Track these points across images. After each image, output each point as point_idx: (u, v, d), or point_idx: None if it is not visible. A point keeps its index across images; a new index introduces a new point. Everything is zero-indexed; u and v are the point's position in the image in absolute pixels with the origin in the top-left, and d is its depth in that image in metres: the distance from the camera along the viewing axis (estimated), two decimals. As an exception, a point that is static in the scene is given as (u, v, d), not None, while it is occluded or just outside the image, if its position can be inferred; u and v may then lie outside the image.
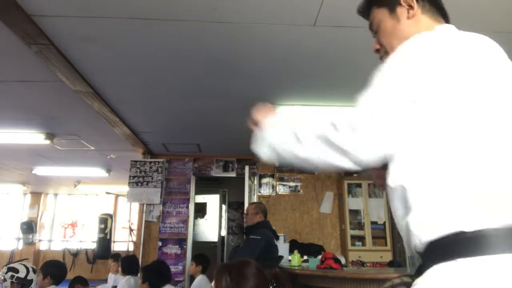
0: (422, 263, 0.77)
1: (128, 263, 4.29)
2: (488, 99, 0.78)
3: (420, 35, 0.88)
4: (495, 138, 0.75)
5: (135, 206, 6.24)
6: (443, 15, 0.99)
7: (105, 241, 8.27)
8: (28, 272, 2.73)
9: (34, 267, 2.85)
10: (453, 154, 0.75)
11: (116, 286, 4.48)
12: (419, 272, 0.77)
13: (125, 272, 4.21)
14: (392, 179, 0.82)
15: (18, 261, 3.02)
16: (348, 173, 5.82)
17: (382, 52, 1.06)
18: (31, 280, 2.72)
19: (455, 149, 0.75)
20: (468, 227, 0.70)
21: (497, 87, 0.79)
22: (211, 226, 7.67)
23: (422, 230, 0.75)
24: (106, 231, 8.32)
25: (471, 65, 0.80)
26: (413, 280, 0.78)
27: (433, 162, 0.76)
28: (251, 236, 3.36)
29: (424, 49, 0.83)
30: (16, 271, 2.67)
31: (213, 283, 1.50)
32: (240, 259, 1.61)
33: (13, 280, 2.64)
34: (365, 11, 1.07)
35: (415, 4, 0.97)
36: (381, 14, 1.02)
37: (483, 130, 0.75)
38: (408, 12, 0.97)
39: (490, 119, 0.76)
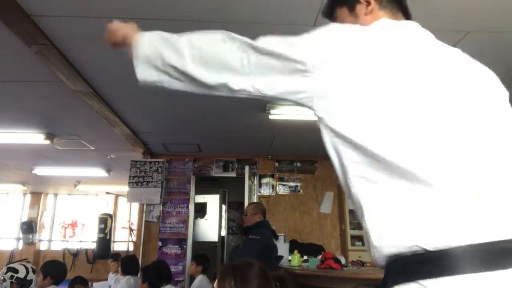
0: (384, 277, 0.73)
1: (128, 263, 4.29)
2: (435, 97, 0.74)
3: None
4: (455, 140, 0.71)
5: (135, 206, 6.25)
6: (403, 11, 0.98)
7: (105, 241, 8.27)
8: (27, 272, 2.73)
9: (34, 267, 2.84)
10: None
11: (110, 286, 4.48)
12: (383, 285, 0.73)
13: (125, 272, 4.21)
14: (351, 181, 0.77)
15: (18, 261, 3.01)
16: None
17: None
18: (31, 281, 2.72)
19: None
20: (432, 245, 0.65)
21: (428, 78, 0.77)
22: (211, 226, 7.67)
23: (381, 242, 0.70)
24: (106, 231, 8.32)
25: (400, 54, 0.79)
26: None
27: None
28: (250, 236, 3.35)
29: (364, 34, 0.84)
30: (16, 271, 2.67)
31: (216, 283, 1.47)
32: (245, 259, 1.58)
33: (13, 280, 2.64)
34: (329, 14, 1.07)
35: (372, 0, 0.97)
36: (342, 14, 1.02)
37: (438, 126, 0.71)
38: (366, 8, 0.97)
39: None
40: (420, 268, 0.65)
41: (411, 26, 0.90)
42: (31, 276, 2.72)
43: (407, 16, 0.97)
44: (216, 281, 1.46)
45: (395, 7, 0.97)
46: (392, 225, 0.69)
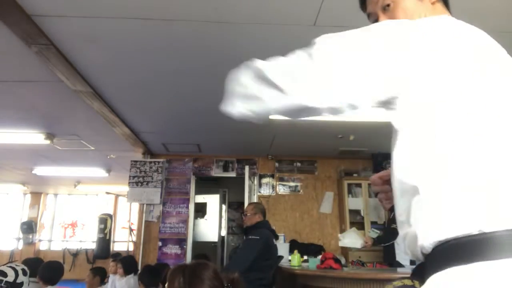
0: (426, 265, 0.71)
1: (128, 263, 4.30)
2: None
3: (428, 18, 0.85)
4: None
5: (135, 206, 6.24)
6: (446, 6, 0.96)
7: (104, 241, 8.28)
8: (17, 275, 2.64)
9: (25, 268, 2.78)
10: (481, 149, 0.68)
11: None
12: (420, 274, 0.73)
13: (127, 272, 4.21)
14: (402, 173, 0.76)
15: (7, 263, 2.95)
16: (348, 173, 5.82)
17: (374, 17, 1.01)
18: (21, 283, 2.64)
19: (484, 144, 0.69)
20: (489, 227, 0.64)
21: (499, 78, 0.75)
22: (211, 226, 7.67)
23: (432, 229, 0.69)
24: (105, 231, 8.33)
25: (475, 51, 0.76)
26: (414, 284, 0.74)
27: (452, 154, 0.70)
28: (250, 237, 3.36)
29: (431, 26, 0.79)
30: (5, 275, 2.59)
31: (166, 285, 1.44)
32: (198, 261, 1.57)
33: (2, 284, 2.57)
34: None
35: None
36: None
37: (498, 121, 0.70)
38: None
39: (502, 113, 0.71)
40: (478, 250, 0.63)
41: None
42: (21, 278, 2.64)
43: (449, 11, 0.95)
44: (166, 283, 1.44)
45: (444, 4, 0.95)
46: (449, 208, 0.68)
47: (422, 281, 0.72)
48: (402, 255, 3.99)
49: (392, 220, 4.10)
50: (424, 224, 0.70)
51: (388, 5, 0.97)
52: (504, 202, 0.65)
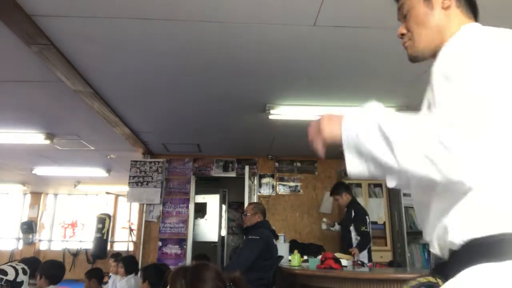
0: (452, 261, 0.74)
1: (130, 263, 4.30)
2: None
3: (472, 30, 0.85)
4: None
5: (135, 206, 6.24)
6: (474, 13, 0.94)
7: (101, 241, 8.28)
8: (17, 274, 2.67)
9: (26, 267, 2.80)
10: None
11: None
12: (442, 271, 0.75)
13: (127, 272, 4.21)
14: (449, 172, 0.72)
15: (7, 262, 2.97)
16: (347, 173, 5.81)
17: (407, 39, 0.99)
18: (21, 282, 2.66)
19: None
20: None
21: None
22: (211, 226, 7.67)
23: (467, 226, 0.72)
24: (103, 231, 8.33)
25: None
26: (437, 281, 0.76)
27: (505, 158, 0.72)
28: (250, 237, 3.36)
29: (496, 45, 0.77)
30: (5, 273, 2.61)
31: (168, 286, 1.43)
32: (199, 262, 1.56)
33: (2, 283, 2.59)
34: None
35: None
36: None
37: None
38: (443, 2, 0.92)
39: None
40: (509, 249, 0.67)
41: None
42: (21, 277, 2.66)
43: (476, 18, 0.94)
44: (168, 286, 1.43)
45: (469, 8, 0.93)
46: (488, 208, 0.71)
47: (445, 278, 0.74)
48: (364, 253, 4.05)
49: (350, 219, 4.14)
50: (458, 221, 0.73)
51: (405, 17, 0.99)
52: None
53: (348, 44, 2.66)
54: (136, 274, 4.20)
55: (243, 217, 3.72)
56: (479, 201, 0.72)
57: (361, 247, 3.98)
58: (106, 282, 4.69)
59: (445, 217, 0.75)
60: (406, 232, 5.12)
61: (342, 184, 4.46)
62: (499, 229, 0.68)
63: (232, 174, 6.00)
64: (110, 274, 5.14)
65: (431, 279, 0.79)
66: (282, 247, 4.13)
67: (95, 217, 8.70)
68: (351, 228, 4.12)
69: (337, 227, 4.52)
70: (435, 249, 0.80)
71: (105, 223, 8.40)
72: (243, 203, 5.08)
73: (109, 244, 8.90)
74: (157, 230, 5.67)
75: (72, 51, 2.82)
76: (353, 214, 4.18)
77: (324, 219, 4.67)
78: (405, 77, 3.14)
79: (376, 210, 5.51)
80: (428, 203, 0.81)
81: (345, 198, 4.27)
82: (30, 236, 9.58)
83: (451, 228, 0.73)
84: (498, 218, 0.69)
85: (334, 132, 0.85)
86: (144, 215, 5.69)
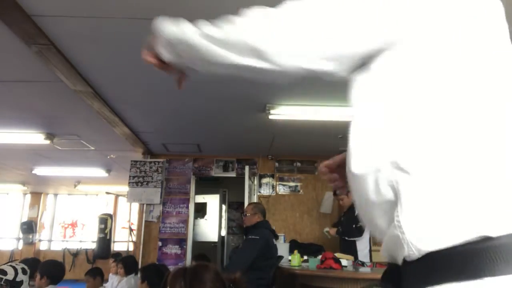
0: (407, 272, 0.56)
1: (129, 263, 4.31)
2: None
3: None
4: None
5: (135, 206, 6.25)
6: None
7: (105, 241, 8.28)
8: (16, 274, 2.68)
9: (25, 267, 2.80)
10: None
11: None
12: (393, 280, 0.60)
13: (127, 272, 4.22)
14: (363, 164, 0.61)
15: (7, 262, 2.98)
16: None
17: None
18: (21, 282, 2.68)
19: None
20: (497, 231, 0.50)
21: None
22: (211, 226, 7.67)
23: (423, 237, 0.53)
24: (106, 231, 8.33)
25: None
26: None
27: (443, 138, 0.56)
28: (250, 236, 3.36)
29: None
30: (4, 273, 2.63)
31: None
32: (199, 263, 1.56)
33: (1, 282, 2.61)
34: None
35: None
36: None
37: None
38: None
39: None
40: (483, 261, 0.49)
41: None
42: (20, 277, 2.68)
43: None
44: (168, 284, 1.43)
45: None
46: (448, 210, 0.53)
47: None
48: (366, 252, 4.04)
49: (351, 218, 4.14)
50: (411, 227, 0.54)
51: None
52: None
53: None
54: (136, 274, 4.20)
55: (243, 217, 3.72)
56: (424, 202, 0.54)
57: (345, 234, 4.05)
58: (106, 281, 4.70)
59: (389, 222, 0.58)
60: (406, 232, 5.12)
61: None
62: (468, 235, 0.50)
63: (232, 174, 6.00)
64: (110, 274, 5.15)
65: None
66: (282, 247, 4.13)
67: (96, 217, 8.70)
68: (354, 227, 4.12)
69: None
70: (384, 255, 0.63)
71: (107, 223, 8.39)
72: (243, 203, 5.08)
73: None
74: (157, 230, 5.66)
75: (72, 51, 2.82)
76: (356, 212, 4.19)
77: (326, 229, 4.59)
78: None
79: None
80: (364, 206, 0.64)
81: (350, 198, 4.29)
82: (30, 236, 9.59)
83: (400, 237, 0.55)
84: (462, 219, 0.52)
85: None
86: (144, 215, 5.69)
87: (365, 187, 0.61)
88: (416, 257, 0.54)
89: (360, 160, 0.62)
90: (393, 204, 0.57)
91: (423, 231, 0.54)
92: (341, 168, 0.78)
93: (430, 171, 0.55)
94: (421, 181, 0.55)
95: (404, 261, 0.56)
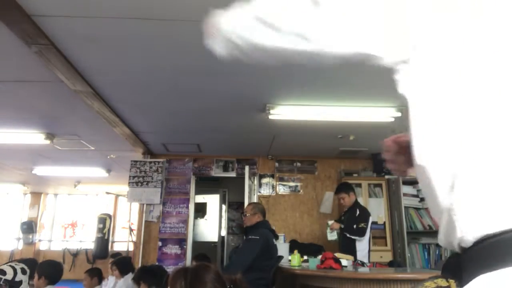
0: (466, 260, 0.58)
1: (122, 264, 4.32)
2: None
3: None
4: None
5: (135, 206, 6.25)
6: None
7: (103, 241, 8.29)
8: (15, 273, 2.68)
9: (25, 267, 2.80)
10: None
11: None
12: (454, 270, 0.61)
13: (123, 272, 4.23)
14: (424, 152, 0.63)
15: (7, 262, 2.99)
16: (348, 173, 5.82)
17: None
18: (20, 282, 2.67)
19: None
20: None
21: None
22: (211, 226, 7.68)
23: (479, 219, 0.54)
24: (104, 231, 8.34)
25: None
26: (449, 284, 0.62)
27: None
28: (250, 237, 3.36)
29: None
30: (4, 273, 2.63)
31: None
32: (199, 264, 1.56)
33: (1, 282, 2.61)
34: None
35: None
36: None
37: None
38: None
39: None
40: None
41: None
42: (19, 277, 2.68)
43: None
44: (169, 284, 1.43)
45: None
46: (499, 196, 0.54)
47: (459, 279, 0.59)
48: (365, 253, 4.03)
49: (352, 218, 4.13)
50: (467, 212, 0.56)
51: None
52: None
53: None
54: (133, 272, 4.21)
55: (243, 217, 3.72)
56: (483, 186, 0.55)
57: (347, 231, 4.04)
58: (104, 279, 4.71)
59: (447, 206, 0.59)
60: (406, 232, 5.13)
61: (349, 184, 4.53)
62: None
63: (232, 174, 6.00)
64: (109, 276, 5.15)
65: (441, 282, 0.64)
66: (282, 247, 4.13)
67: (95, 217, 8.71)
68: (355, 227, 4.12)
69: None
70: (443, 244, 0.65)
71: (105, 223, 8.40)
72: (243, 203, 5.08)
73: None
74: (157, 230, 5.67)
75: (72, 51, 2.82)
76: (357, 212, 4.20)
77: (331, 222, 4.41)
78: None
79: (376, 210, 5.51)
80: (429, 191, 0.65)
81: (351, 198, 4.30)
82: (30, 236, 9.59)
83: (455, 221, 0.56)
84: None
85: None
86: (144, 215, 5.69)
87: (427, 176, 0.63)
88: (471, 242, 0.55)
89: (423, 152, 0.64)
90: (451, 189, 0.58)
91: (476, 214, 0.55)
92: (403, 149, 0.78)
93: (485, 157, 0.56)
94: (476, 167, 0.56)
95: (462, 249, 0.57)
